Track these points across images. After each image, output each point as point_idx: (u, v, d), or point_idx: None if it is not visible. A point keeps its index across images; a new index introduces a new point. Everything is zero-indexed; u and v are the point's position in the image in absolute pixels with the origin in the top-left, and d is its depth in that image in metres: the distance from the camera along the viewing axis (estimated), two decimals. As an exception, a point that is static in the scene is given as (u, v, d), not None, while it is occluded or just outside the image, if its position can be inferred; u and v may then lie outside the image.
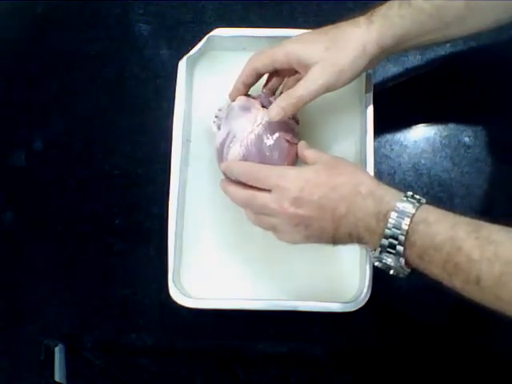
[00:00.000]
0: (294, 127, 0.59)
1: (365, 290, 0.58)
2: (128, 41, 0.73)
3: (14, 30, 0.75)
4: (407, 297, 0.64)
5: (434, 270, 0.45)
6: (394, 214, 0.45)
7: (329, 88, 0.54)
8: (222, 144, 0.57)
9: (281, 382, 0.64)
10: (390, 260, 0.47)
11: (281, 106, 0.54)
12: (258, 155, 0.56)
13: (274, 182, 0.52)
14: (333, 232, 0.50)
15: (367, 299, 0.58)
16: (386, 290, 0.61)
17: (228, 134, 0.57)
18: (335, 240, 0.51)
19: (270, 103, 0.57)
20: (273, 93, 0.60)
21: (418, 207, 0.45)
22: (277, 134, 0.56)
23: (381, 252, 0.47)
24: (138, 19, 0.74)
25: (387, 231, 0.46)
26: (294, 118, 0.59)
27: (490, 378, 0.62)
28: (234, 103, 0.59)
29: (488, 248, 0.41)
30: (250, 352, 0.64)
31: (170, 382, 0.65)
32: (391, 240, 0.46)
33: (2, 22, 0.75)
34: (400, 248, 0.45)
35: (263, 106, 0.58)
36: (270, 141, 0.56)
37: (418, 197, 0.46)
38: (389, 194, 0.48)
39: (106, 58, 0.73)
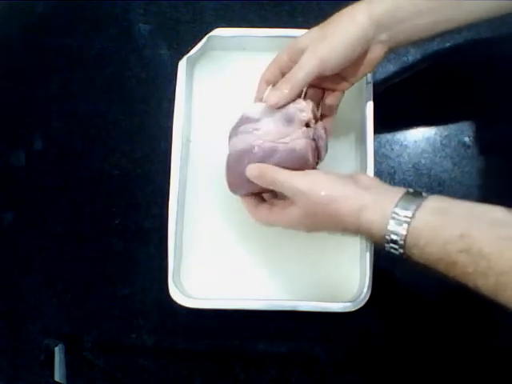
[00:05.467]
0: (309, 165, 0.55)
1: (365, 290, 0.58)
2: (128, 41, 0.73)
3: (14, 30, 0.75)
4: (407, 297, 0.64)
5: (438, 273, 0.45)
6: (387, 246, 0.46)
7: (322, 64, 0.53)
8: (244, 121, 0.55)
9: (281, 382, 0.64)
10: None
11: (280, 89, 0.53)
12: (256, 161, 0.53)
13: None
14: (339, 232, 0.51)
15: (367, 299, 0.58)
16: (386, 290, 0.61)
17: (257, 120, 0.54)
18: (342, 234, 0.52)
19: (320, 138, 0.55)
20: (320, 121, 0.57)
21: (407, 234, 0.45)
22: (288, 162, 0.53)
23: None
24: (138, 19, 0.74)
25: (386, 245, 0.47)
26: (319, 154, 0.56)
27: (490, 379, 0.62)
28: (292, 106, 0.54)
29: (481, 263, 0.41)
30: (250, 352, 0.64)
31: (170, 382, 0.65)
32: (392, 245, 0.47)
33: (2, 22, 0.75)
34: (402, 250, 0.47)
35: (308, 127, 0.54)
36: (277, 161, 0.53)
37: (403, 218, 0.45)
38: (375, 226, 0.47)
39: (106, 57, 0.73)
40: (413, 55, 0.70)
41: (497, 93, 0.69)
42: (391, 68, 0.70)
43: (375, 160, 0.61)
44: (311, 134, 0.54)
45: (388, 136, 0.68)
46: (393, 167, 0.68)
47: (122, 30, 0.74)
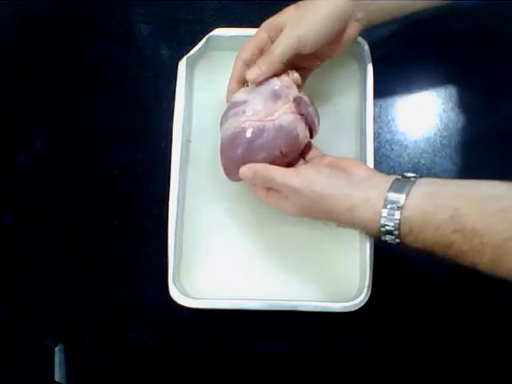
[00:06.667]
0: (302, 148, 0.56)
1: (365, 290, 0.58)
2: (128, 41, 0.73)
3: (14, 30, 0.75)
4: (407, 297, 0.64)
5: (436, 257, 0.46)
6: (383, 237, 0.48)
7: (300, 42, 0.53)
8: (232, 106, 0.56)
9: (281, 382, 0.64)
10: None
11: (258, 66, 0.55)
12: (246, 142, 0.54)
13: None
14: (335, 224, 0.53)
15: (367, 299, 0.58)
16: (386, 290, 0.61)
17: (244, 102, 0.55)
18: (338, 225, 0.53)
19: (307, 107, 0.55)
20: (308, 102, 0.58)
21: (399, 224, 0.46)
22: (277, 140, 0.54)
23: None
24: (138, 19, 0.74)
25: (382, 237, 0.48)
26: (311, 132, 0.57)
27: (490, 378, 0.62)
28: (274, 81, 0.55)
29: (475, 240, 0.43)
30: (250, 352, 0.64)
31: (170, 382, 0.65)
32: (388, 235, 0.48)
33: (2, 22, 0.75)
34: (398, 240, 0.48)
35: (301, 112, 0.55)
36: (266, 140, 0.54)
37: (394, 208, 0.46)
38: (367, 222, 0.48)
39: (106, 57, 0.73)
40: (412, 55, 0.70)
41: (498, 92, 0.69)
42: (391, 67, 0.70)
43: (375, 160, 0.61)
44: (299, 108, 0.55)
45: (388, 136, 0.68)
46: (393, 167, 0.68)
47: (122, 30, 0.74)
